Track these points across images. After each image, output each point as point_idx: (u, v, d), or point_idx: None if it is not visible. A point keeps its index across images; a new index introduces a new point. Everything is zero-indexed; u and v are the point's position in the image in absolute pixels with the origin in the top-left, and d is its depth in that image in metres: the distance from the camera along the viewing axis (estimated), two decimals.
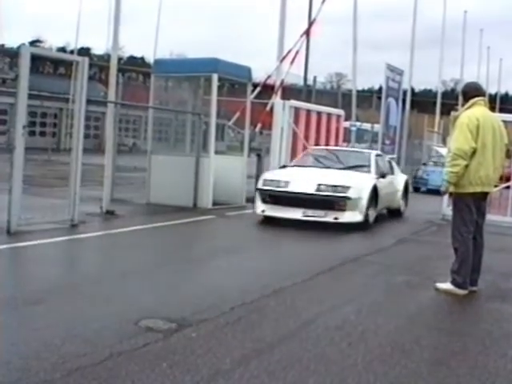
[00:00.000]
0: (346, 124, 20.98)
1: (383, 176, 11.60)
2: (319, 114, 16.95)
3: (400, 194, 12.96)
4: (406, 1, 36.91)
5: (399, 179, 13.32)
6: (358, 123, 23.42)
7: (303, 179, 10.87)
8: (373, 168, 11.66)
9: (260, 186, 10.97)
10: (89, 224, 9.37)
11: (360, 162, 12.03)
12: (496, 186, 7.05)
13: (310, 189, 10.48)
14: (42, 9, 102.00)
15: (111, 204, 10.80)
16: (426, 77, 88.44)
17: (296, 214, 10.33)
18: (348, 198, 10.32)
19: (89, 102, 9.60)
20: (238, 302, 5.44)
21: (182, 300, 5.51)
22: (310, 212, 10.30)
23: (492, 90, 44.29)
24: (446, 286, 6.38)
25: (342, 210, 10.32)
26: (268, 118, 15.04)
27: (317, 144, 16.50)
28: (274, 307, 5.44)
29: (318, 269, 7.14)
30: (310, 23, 16.89)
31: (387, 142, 23.39)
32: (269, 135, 15.64)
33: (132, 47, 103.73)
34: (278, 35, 15.20)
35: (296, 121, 15.64)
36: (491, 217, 10.31)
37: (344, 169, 11.57)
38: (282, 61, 15.00)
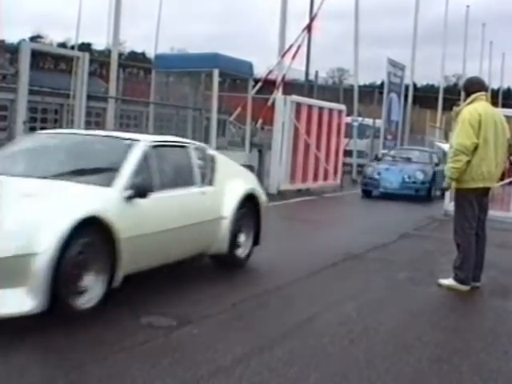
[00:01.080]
0: (348, 119, 20.93)
1: (143, 194, 5.17)
2: (321, 109, 16.92)
3: (224, 225, 6.36)
4: None
5: (228, 192, 6.53)
6: (360, 118, 23.36)
7: None
8: (123, 176, 5.22)
9: None
10: None
11: (96, 162, 5.69)
12: (500, 181, 7.01)
13: None
14: (42, 4, 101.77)
15: None
16: (428, 72, 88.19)
17: None
18: None
19: (89, 97, 9.59)
20: (240, 298, 5.42)
21: (183, 297, 5.49)
22: None
23: (495, 85, 44.26)
24: (449, 281, 6.35)
25: None
26: (269, 113, 15.03)
27: (318, 140, 16.47)
28: (275, 303, 5.42)
29: (320, 265, 7.11)
30: (312, 18, 16.86)
31: (389, 137, 23.38)
32: (270, 130, 15.63)
33: (133, 43, 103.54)
34: (279, 30, 15.20)
35: (297, 116, 15.62)
36: (494, 212, 10.28)
37: (53, 177, 5.21)
38: (283, 56, 14.99)
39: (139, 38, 75.55)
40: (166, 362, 3.88)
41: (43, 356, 3.90)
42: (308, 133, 16.06)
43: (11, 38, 46.12)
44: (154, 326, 4.53)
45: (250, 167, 10.42)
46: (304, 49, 20.18)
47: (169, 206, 5.58)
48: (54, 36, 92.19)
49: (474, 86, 6.48)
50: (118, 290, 5.58)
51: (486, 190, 6.49)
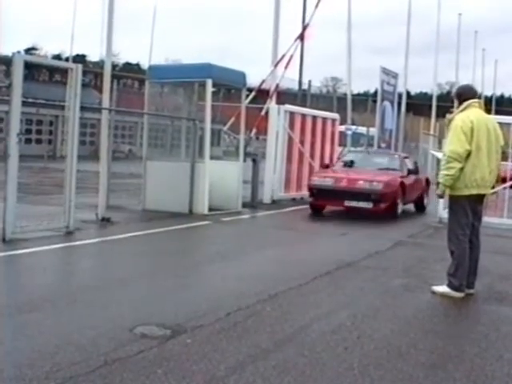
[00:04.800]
0: (342, 128, 20.99)
1: None
2: (314, 118, 16.99)
3: None
4: (402, 5, 37.08)
5: None
6: (354, 127, 23.42)
7: None
8: None
9: None
10: (84, 231, 9.35)
11: None
12: (493, 188, 7.03)
13: None
14: (37, 16, 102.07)
15: (107, 211, 10.77)
16: (422, 80, 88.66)
17: None
18: None
19: (83, 108, 9.58)
20: (234, 307, 5.42)
21: (177, 306, 5.49)
22: None
23: (488, 92, 44.43)
24: (443, 289, 6.37)
25: None
26: (263, 122, 15.07)
27: (312, 149, 16.55)
28: (269, 312, 5.41)
29: (314, 273, 7.12)
30: (304, 27, 16.92)
31: (383, 145, 23.40)
32: (264, 140, 15.65)
33: (128, 54, 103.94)
34: (272, 40, 15.24)
35: (291, 125, 15.67)
36: (488, 219, 10.35)
37: None
38: (276, 65, 15.03)
39: (133, 49, 75.80)
40: (161, 372, 3.88)
41: (36, 367, 3.88)
42: (302, 142, 16.11)
43: (7, 50, 46.23)
44: (147, 336, 4.53)
45: None
46: (297, 58, 20.27)
47: None
48: (50, 48, 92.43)
49: (466, 94, 6.52)
50: (113, 300, 5.59)
51: (480, 197, 6.51)
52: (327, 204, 13.49)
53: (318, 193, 13.17)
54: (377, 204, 12.61)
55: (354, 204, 12.71)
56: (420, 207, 15.21)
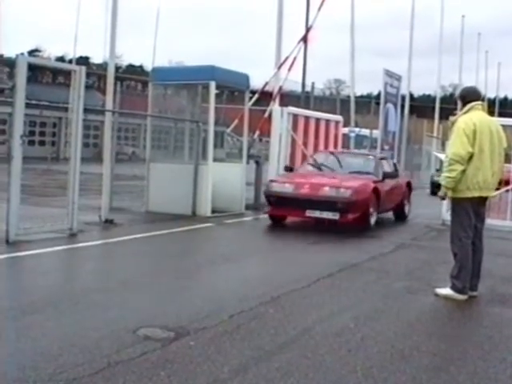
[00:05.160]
0: (345, 130, 21.00)
1: None
2: (318, 120, 16.97)
3: None
4: (405, 8, 37.08)
5: None
6: (357, 129, 23.46)
7: None
8: None
9: None
10: (87, 233, 9.36)
11: None
12: (497, 190, 7.03)
13: None
14: (41, 18, 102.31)
15: (110, 213, 10.79)
16: (425, 82, 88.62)
17: None
18: None
19: (87, 110, 9.62)
20: (237, 309, 5.43)
21: (180, 308, 5.49)
22: None
23: (491, 95, 44.39)
24: (446, 291, 6.36)
25: None
26: (266, 124, 15.06)
27: (315, 150, 16.53)
28: (272, 315, 5.41)
29: (317, 275, 7.12)
30: (307, 30, 16.93)
31: (386, 147, 23.39)
32: (267, 142, 15.65)
33: (131, 56, 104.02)
34: (275, 42, 15.25)
35: (294, 127, 15.66)
36: (491, 221, 10.33)
37: None
38: (279, 67, 15.04)
39: (137, 51, 75.97)
40: (164, 375, 3.88)
41: (39, 369, 3.89)
42: (305, 144, 16.09)
43: (10, 52, 46.32)
44: (150, 338, 4.53)
45: None
46: (300, 60, 20.28)
47: None
48: (53, 50, 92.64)
49: (469, 96, 6.51)
50: (116, 302, 5.59)
51: (483, 199, 6.50)
52: (286, 214, 11.67)
53: (276, 201, 11.33)
54: (344, 214, 10.76)
55: (316, 214, 10.95)
56: (400, 216, 13.39)
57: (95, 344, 4.35)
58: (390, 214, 13.25)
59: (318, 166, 12.58)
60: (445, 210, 12.05)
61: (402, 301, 6.30)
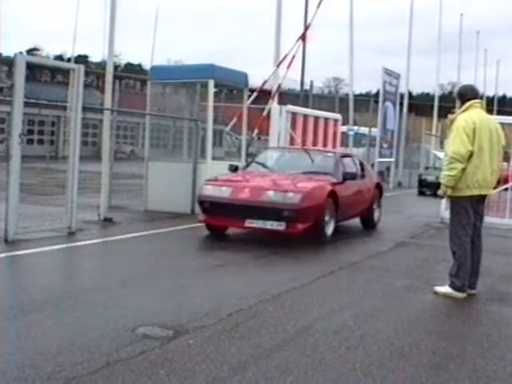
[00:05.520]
0: (344, 128, 21.01)
1: None
2: (316, 118, 16.99)
3: None
4: (404, 7, 37.08)
5: None
6: (356, 127, 23.47)
7: None
8: None
9: None
10: (86, 232, 9.36)
11: None
12: (495, 189, 7.03)
13: None
14: (39, 17, 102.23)
15: (109, 211, 10.79)
16: (424, 80, 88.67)
17: None
18: None
19: (85, 109, 9.61)
20: (236, 308, 5.43)
21: (179, 307, 5.49)
22: None
23: (489, 93, 44.42)
24: (445, 289, 6.36)
25: None
26: (265, 123, 15.05)
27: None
28: (272, 312, 5.41)
29: (317, 273, 7.12)
30: (306, 28, 16.90)
31: (385, 145, 23.42)
32: (266, 140, 15.65)
33: (130, 54, 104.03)
34: (274, 40, 15.24)
35: (293, 126, 15.67)
36: (490, 219, 10.36)
37: None
38: (278, 66, 15.01)
39: (136, 50, 75.98)
40: (163, 373, 3.88)
41: (39, 367, 3.88)
42: (304, 142, 16.08)
43: (9, 51, 46.32)
44: (149, 337, 4.53)
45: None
46: (299, 58, 20.26)
47: None
48: (51, 48, 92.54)
49: (468, 94, 6.51)
50: (115, 301, 5.59)
51: (482, 198, 6.50)
52: (223, 224, 9.65)
53: (210, 208, 9.44)
54: (292, 224, 8.91)
55: (258, 225, 9.04)
56: (368, 223, 11.53)
57: (94, 343, 4.35)
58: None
59: (267, 166, 10.80)
60: (443, 208, 12.05)
61: (402, 299, 6.30)
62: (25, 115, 8.44)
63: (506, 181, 12.01)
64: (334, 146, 17.89)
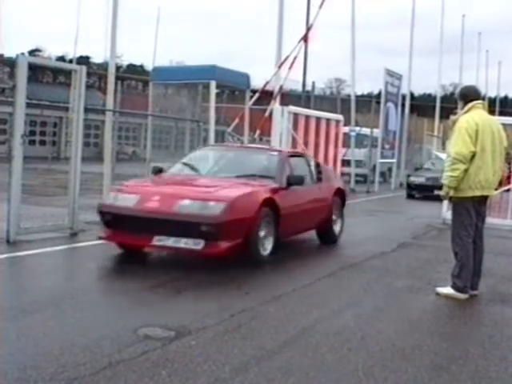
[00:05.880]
0: (346, 129, 21.02)
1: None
2: (318, 119, 16.99)
3: None
4: (406, 7, 37.10)
5: None
6: (358, 128, 23.47)
7: None
8: None
9: None
10: (88, 232, 9.33)
11: None
12: (496, 190, 7.02)
13: None
14: (41, 18, 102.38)
15: None
16: (426, 81, 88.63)
17: None
18: None
19: (87, 110, 9.62)
20: (238, 308, 5.43)
21: (180, 307, 5.49)
22: None
23: (491, 94, 44.38)
24: (447, 290, 6.36)
25: None
26: (267, 123, 15.07)
27: (316, 150, 16.52)
28: (273, 313, 5.41)
29: (318, 274, 7.12)
30: (308, 29, 16.92)
31: (387, 146, 23.40)
32: (268, 141, 15.66)
33: (132, 55, 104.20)
34: (276, 41, 15.25)
35: (295, 127, 15.67)
36: (492, 220, 10.34)
37: None
38: (280, 67, 15.03)
39: (138, 51, 76.11)
40: (165, 374, 3.88)
41: (40, 368, 3.89)
42: (306, 143, 16.10)
43: (11, 52, 46.37)
44: (151, 338, 4.53)
45: None
46: (301, 59, 20.26)
47: None
48: (53, 49, 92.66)
49: (470, 95, 6.50)
50: (116, 302, 5.59)
51: (484, 198, 6.50)
52: (127, 242, 7.60)
53: (113, 221, 7.53)
54: (212, 242, 6.99)
55: (169, 243, 7.15)
56: (326, 237, 9.43)
57: (96, 343, 4.35)
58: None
59: (195, 168, 8.90)
60: (445, 209, 12.04)
61: (403, 300, 6.30)
62: (27, 116, 8.44)
63: (508, 181, 12.01)
64: (335, 147, 17.90)
